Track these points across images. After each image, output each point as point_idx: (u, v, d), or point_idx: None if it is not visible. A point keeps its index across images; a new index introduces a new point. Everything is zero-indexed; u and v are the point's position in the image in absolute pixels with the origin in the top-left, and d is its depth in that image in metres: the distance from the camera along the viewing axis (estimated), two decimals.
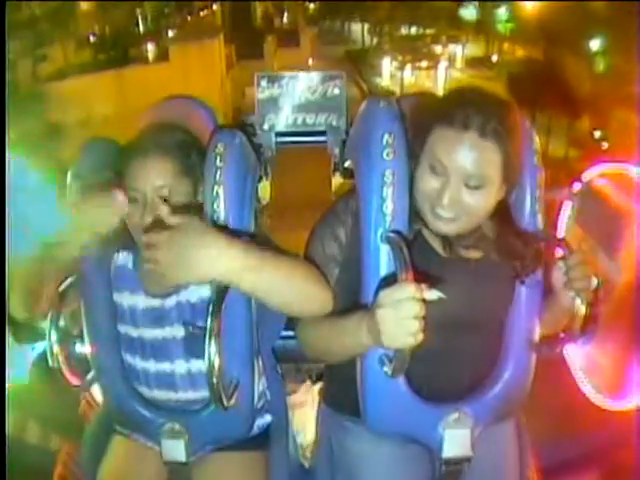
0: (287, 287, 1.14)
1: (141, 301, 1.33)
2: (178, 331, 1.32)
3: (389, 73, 29.69)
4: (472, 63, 29.53)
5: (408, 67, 28.75)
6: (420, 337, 0.96)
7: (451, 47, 29.82)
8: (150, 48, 20.78)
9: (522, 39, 23.02)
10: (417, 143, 1.16)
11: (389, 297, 0.97)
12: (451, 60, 29.56)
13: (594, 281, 1.20)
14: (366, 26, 32.72)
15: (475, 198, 1.11)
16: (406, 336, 0.96)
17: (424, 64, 29.49)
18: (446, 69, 28.40)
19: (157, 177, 1.25)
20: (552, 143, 15.64)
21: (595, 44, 17.38)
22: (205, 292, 1.27)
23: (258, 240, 1.25)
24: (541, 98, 16.61)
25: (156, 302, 1.32)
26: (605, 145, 15.09)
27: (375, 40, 32.76)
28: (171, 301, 1.32)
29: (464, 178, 1.10)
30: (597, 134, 15.81)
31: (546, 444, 1.61)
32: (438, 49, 29.29)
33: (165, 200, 1.23)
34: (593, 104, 15.15)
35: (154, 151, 1.26)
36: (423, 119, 1.16)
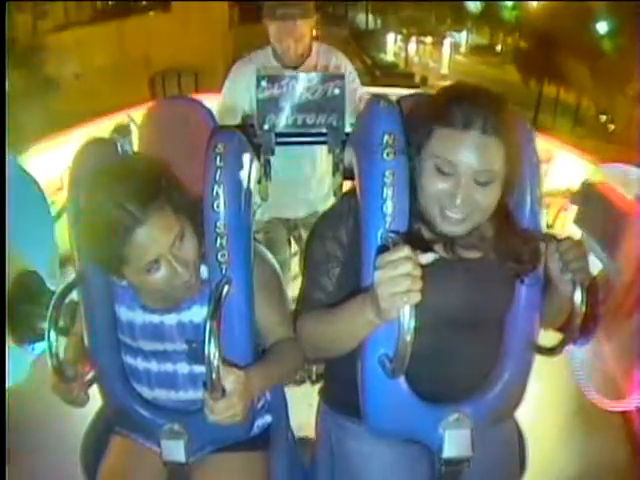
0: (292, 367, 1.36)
1: (139, 317, 1.32)
2: (179, 346, 1.32)
3: (393, 49, 29.14)
4: (477, 50, 29.18)
5: (413, 41, 28.05)
6: (416, 298, 0.95)
7: (455, 32, 29.57)
8: None
9: (528, 27, 22.64)
10: (416, 145, 1.16)
11: (384, 259, 0.97)
12: (456, 45, 29.16)
13: (588, 262, 1.20)
14: (370, 8, 32.46)
15: (485, 194, 1.13)
16: (401, 295, 0.95)
17: (429, 40, 28.91)
18: (451, 46, 27.78)
19: (166, 237, 1.18)
20: (559, 120, 15.41)
21: (602, 27, 17.01)
22: None
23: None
24: (548, 73, 16.26)
25: (155, 318, 1.32)
26: (612, 127, 14.85)
27: (379, 21, 32.28)
28: (171, 319, 1.31)
29: (474, 175, 1.11)
30: (603, 118, 15.62)
31: None
32: (443, 28, 28.86)
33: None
34: (599, 87, 14.94)
35: (148, 219, 1.15)
36: (422, 120, 1.16)
